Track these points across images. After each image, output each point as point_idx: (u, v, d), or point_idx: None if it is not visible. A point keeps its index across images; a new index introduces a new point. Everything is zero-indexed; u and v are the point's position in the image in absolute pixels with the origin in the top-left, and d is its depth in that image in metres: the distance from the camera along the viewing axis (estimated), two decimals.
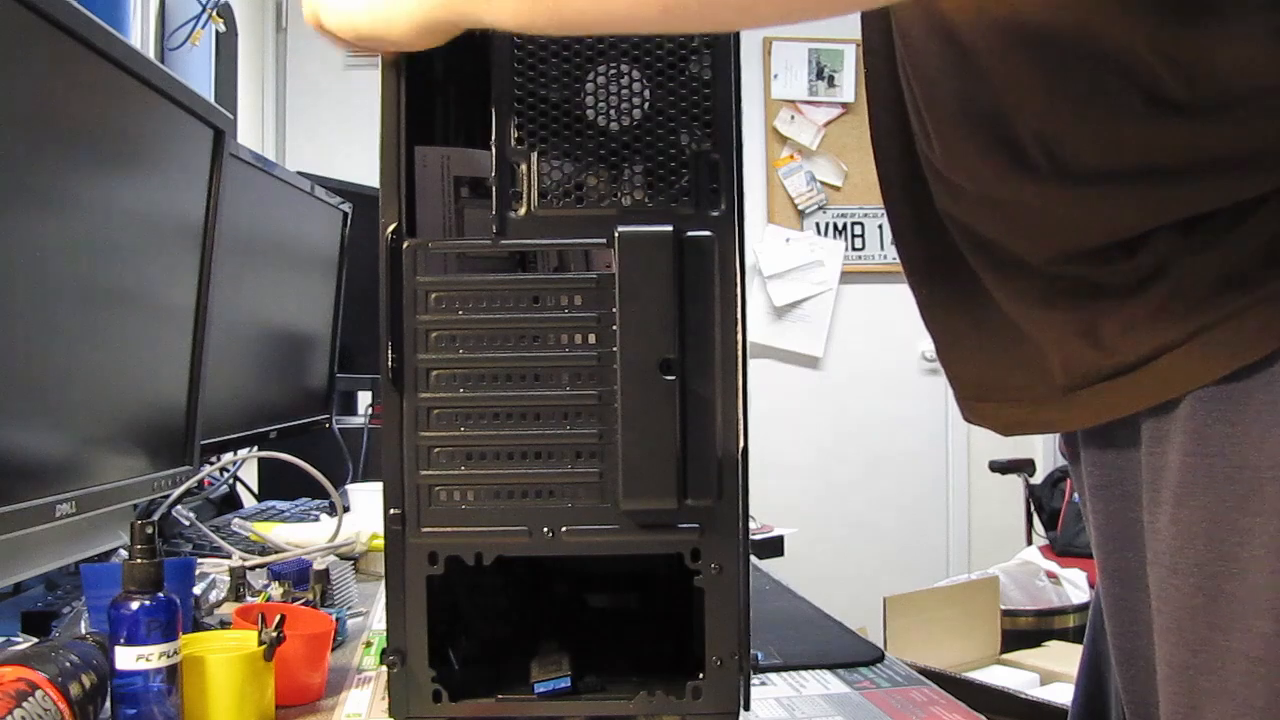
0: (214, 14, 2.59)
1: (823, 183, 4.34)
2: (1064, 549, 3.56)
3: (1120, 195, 0.80)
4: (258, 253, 1.82)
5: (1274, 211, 0.76)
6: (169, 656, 0.84)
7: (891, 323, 4.22)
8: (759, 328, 4.24)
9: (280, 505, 1.96)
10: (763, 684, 1.05)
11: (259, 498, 2.16)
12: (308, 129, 3.97)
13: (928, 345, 1.11)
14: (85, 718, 0.80)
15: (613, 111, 0.82)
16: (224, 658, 0.89)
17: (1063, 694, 2.34)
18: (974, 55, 0.82)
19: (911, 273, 0.97)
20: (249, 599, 1.26)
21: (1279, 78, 0.75)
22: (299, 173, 2.07)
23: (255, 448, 1.95)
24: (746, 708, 0.84)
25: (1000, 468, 3.87)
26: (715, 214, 0.82)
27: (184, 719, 0.86)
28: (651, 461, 0.80)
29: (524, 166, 0.82)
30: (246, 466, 2.17)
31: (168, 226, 1.34)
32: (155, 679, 0.84)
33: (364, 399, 2.70)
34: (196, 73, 2.72)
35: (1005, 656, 2.92)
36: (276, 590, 1.20)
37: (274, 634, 0.90)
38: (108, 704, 0.84)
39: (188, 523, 1.58)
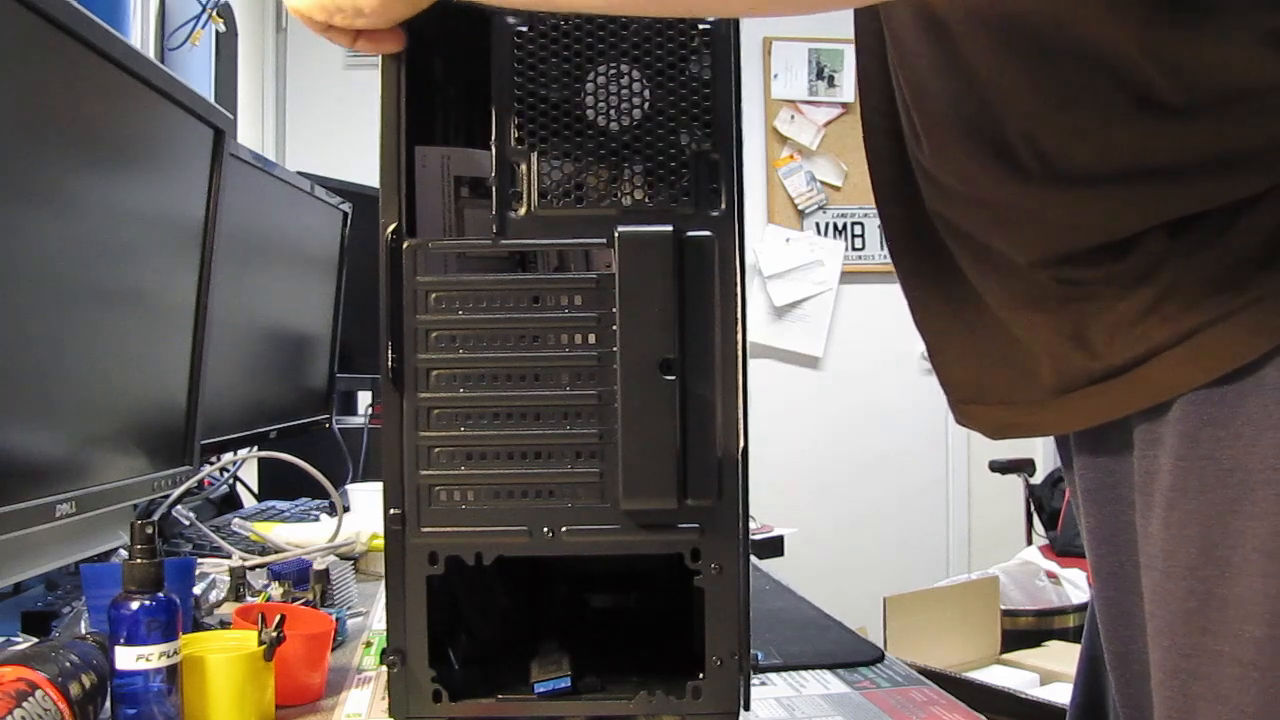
0: (214, 14, 2.59)
1: (823, 183, 4.34)
2: (1064, 549, 3.55)
3: (1110, 196, 0.79)
4: (258, 253, 1.81)
5: (1265, 213, 0.76)
6: (169, 656, 0.84)
7: (891, 323, 4.20)
8: (759, 328, 4.24)
9: (280, 505, 1.96)
10: (763, 684, 1.05)
11: (259, 498, 2.16)
12: (308, 129, 3.96)
13: None
14: (85, 718, 0.80)
15: (613, 111, 0.82)
16: (224, 658, 0.89)
17: (1062, 694, 2.33)
18: (963, 55, 0.82)
19: (903, 273, 0.97)
20: (249, 599, 1.26)
21: (1268, 78, 0.75)
22: (299, 173, 2.07)
23: (255, 448, 1.95)
24: (746, 708, 0.84)
25: (1000, 467, 3.86)
26: (715, 214, 0.82)
27: (184, 719, 0.86)
28: (651, 461, 0.80)
29: (524, 166, 0.82)
30: (246, 466, 2.17)
31: (168, 226, 1.34)
32: (155, 679, 0.83)
33: (364, 399, 2.70)
34: (196, 73, 2.72)
35: (1005, 656, 2.92)
36: (276, 590, 1.20)
37: (274, 634, 0.90)
38: (108, 704, 0.84)
39: (188, 523, 1.58)
